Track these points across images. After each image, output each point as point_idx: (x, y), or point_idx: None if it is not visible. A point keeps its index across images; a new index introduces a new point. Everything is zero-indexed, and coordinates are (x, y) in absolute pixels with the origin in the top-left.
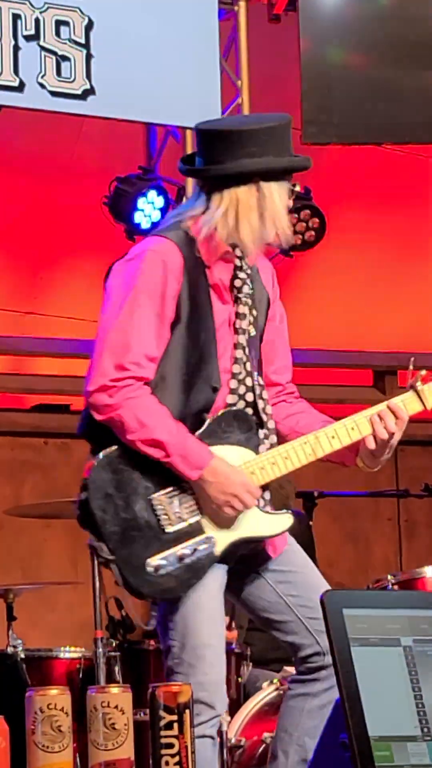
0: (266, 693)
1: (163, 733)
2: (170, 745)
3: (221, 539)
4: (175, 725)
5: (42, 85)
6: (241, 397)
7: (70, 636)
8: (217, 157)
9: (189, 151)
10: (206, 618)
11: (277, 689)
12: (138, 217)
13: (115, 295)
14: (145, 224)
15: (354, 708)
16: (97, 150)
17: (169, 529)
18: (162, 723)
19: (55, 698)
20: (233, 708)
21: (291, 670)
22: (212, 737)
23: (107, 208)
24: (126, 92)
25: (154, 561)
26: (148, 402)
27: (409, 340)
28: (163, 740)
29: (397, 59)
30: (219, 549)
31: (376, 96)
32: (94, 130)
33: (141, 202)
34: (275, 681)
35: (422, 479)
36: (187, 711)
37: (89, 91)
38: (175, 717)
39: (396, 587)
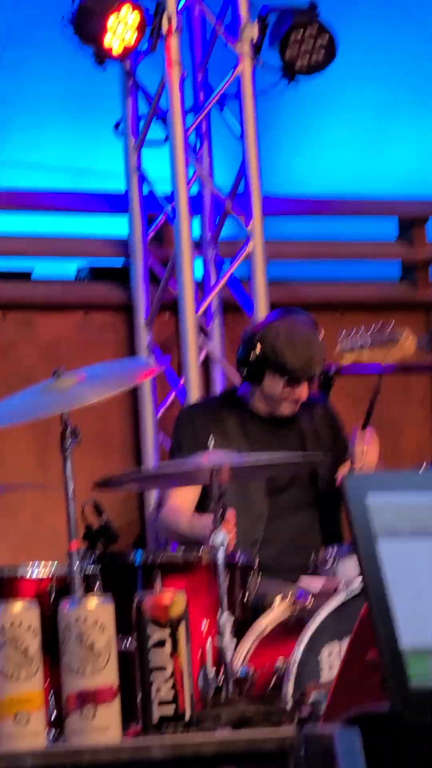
0: (278, 611)
1: (153, 653)
2: (162, 668)
3: None
4: (168, 643)
5: None
6: None
7: (38, 550)
8: None
9: None
10: None
11: (292, 605)
12: (108, 40)
13: None
14: (117, 48)
15: (382, 616)
16: None
17: None
18: (151, 641)
19: (20, 615)
20: (240, 631)
21: (309, 581)
22: None
23: (71, 27)
24: None
25: None
26: None
27: None
28: (154, 662)
29: None
30: None
31: None
32: None
33: (112, 20)
34: (289, 596)
35: None
36: (182, 625)
37: None
38: (167, 633)
39: None
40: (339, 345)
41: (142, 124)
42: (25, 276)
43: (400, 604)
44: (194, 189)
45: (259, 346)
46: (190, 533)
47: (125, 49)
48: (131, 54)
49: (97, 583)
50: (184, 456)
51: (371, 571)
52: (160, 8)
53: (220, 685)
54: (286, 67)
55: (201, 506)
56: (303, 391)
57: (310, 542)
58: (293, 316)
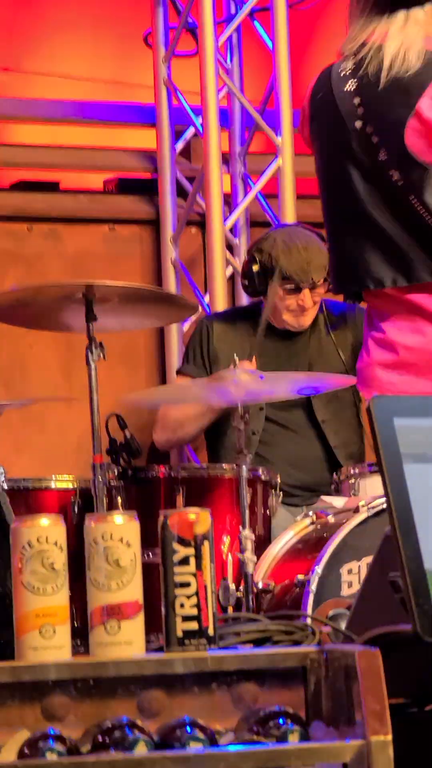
0: (299, 528)
1: (177, 569)
2: (186, 584)
3: None
4: (192, 560)
5: None
6: None
7: (62, 462)
8: None
9: None
10: None
11: (312, 523)
12: None
13: None
14: None
15: (407, 537)
16: None
17: None
18: (176, 558)
19: (47, 530)
20: (260, 546)
21: (329, 500)
22: None
23: None
24: None
25: None
26: None
27: None
28: (178, 578)
29: None
30: None
31: None
32: None
33: None
34: (311, 514)
35: None
36: (206, 543)
37: None
38: (191, 551)
39: None
40: None
41: (171, 35)
42: (51, 187)
43: (425, 527)
44: (223, 103)
45: (257, 256)
46: (194, 409)
47: None
48: None
49: (120, 496)
50: (190, 365)
51: (397, 492)
52: None
53: (241, 597)
54: None
55: (211, 433)
56: (306, 299)
57: (314, 462)
58: (293, 227)
